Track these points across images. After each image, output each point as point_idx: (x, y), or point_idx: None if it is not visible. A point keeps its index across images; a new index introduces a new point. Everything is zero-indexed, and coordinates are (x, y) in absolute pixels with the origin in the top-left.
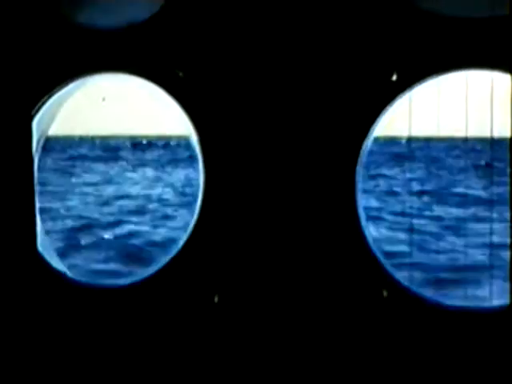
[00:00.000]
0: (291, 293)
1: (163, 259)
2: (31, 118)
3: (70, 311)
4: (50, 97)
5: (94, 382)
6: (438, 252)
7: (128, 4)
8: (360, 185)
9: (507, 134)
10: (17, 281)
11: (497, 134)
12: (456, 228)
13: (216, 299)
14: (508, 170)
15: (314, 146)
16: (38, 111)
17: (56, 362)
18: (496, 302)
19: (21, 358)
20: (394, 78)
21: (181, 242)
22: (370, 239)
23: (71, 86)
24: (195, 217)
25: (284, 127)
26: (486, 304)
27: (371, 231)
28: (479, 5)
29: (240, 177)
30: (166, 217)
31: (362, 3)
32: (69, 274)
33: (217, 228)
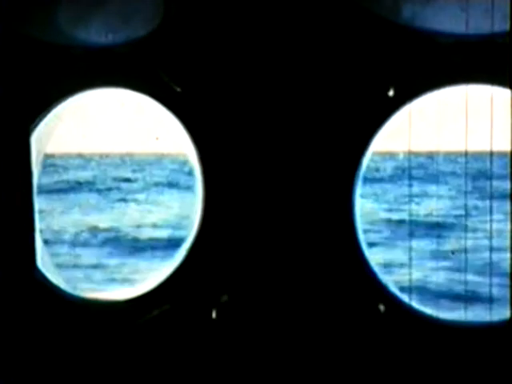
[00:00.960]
0: (288, 308)
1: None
2: (29, 133)
3: (70, 326)
4: (48, 112)
5: None
6: None
7: (126, 21)
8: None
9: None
10: (16, 295)
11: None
12: None
13: (214, 314)
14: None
15: (312, 161)
16: (35, 127)
17: (56, 376)
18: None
19: (21, 372)
20: (391, 93)
21: (180, 258)
22: (366, 254)
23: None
24: (195, 230)
25: (282, 142)
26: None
27: None
28: (477, 21)
29: (239, 189)
30: None
31: (360, 21)
32: (67, 288)
33: (216, 241)
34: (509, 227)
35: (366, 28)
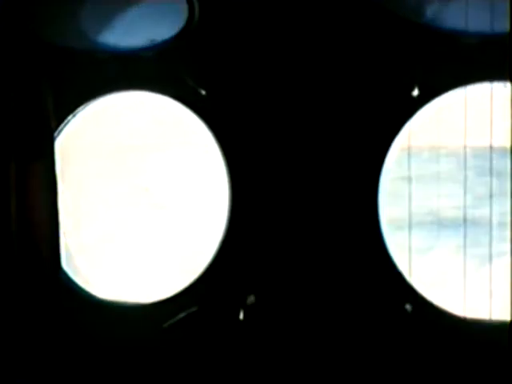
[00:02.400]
0: (315, 309)
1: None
2: (54, 137)
3: (97, 329)
4: (74, 116)
5: None
6: None
7: (151, 24)
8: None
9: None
10: (41, 298)
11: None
12: None
13: (241, 315)
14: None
15: (337, 160)
16: (61, 131)
17: (81, 378)
18: None
19: (46, 374)
20: (415, 93)
21: (207, 260)
22: (392, 254)
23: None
24: (222, 233)
25: (308, 143)
26: None
27: None
28: (500, 20)
29: (265, 190)
30: None
31: (385, 22)
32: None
33: (243, 242)
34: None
35: (390, 29)
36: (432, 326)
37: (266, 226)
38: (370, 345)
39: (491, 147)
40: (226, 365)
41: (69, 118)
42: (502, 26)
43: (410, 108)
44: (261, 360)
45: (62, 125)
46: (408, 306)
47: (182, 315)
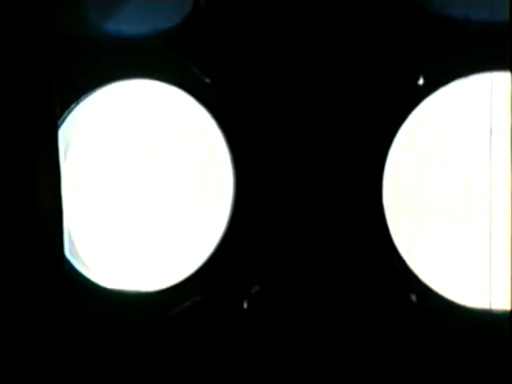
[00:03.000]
0: (319, 299)
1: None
2: (58, 126)
3: (100, 317)
4: (77, 104)
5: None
6: None
7: (155, 12)
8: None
9: None
10: (44, 286)
11: None
12: None
13: (245, 304)
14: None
15: (341, 149)
16: (65, 119)
17: (84, 367)
18: None
19: (47, 362)
20: (421, 81)
21: (211, 249)
22: (397, 244)
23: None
24: (226, 221)
25: (312, 132)
26: None
27: None
28: (504, 9)
29: (269, 179)
30: None
31: (389, 11)
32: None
33: (247, 231)
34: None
35: (395, 17)
36: (437, 317)
37: (270, 214)
38: (375, 335)
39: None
40: (230, 354)
41: (72, 105)
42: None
43: (416, 97)
44: (265, 349)
45: (66, 112)
46: (413, 297)
47: (185, 304)
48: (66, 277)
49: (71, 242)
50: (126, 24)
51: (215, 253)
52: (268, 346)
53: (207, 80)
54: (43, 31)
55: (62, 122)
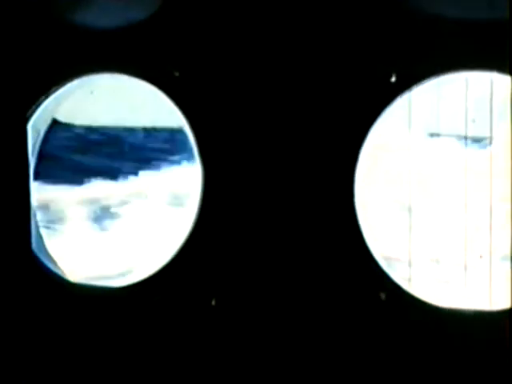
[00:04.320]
0: (288, 297)
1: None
2: (26, 119)
3: (65, 313)
4: (46, 98)
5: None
6: None
7: (124, 4)
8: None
9: None
10: (9, 282)
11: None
12: None
13: (213, 302)
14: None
15: (311, 148)
16: (33, 113)
17: (51, 364)
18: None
19: (16, 359)
20: (393, 79)
21: (178, 243)
22: (368, 242)
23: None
24: (193, 219)
25: (282, 129)
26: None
27: None
28: (478, 6)
29: (237, 177)
30: None
31: (360, 5)
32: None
33: (214, 230)
34: (509, 226)
35: (367, 13)
36: (406, 315)
37: (237, 212)
38: (344, 333)
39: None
40: (197, 350)
41: (41, 98)
42: (483, 13)
43: (388, 95)
44: (232, 346)
45: (34, 106)
46: (382, 295)
47: (153, 299)
48: (33, 270)
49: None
50: (94, 16)
51: (183, 248)
52: (235, 343)
53: (176, 73)
54: (11, 21)
55: (31, 114)
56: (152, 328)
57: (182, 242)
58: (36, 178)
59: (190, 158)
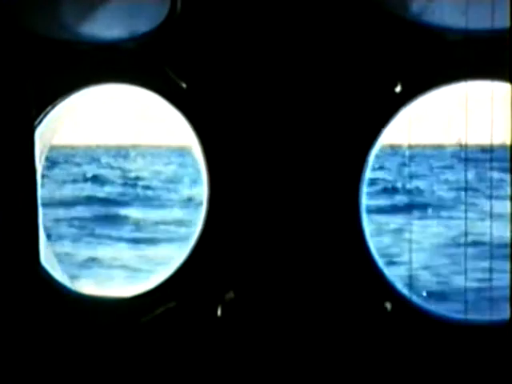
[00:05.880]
0: (293, 306)
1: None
2: (34, 128)
3: (72, 323)
4: (53, 107)
5: None
6: None
7: (131, 17)
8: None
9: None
10: (18, 293)
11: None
12: None
13: (219, 311)
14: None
15: (319, 156)
16: (40, 122)
17: (58, 374)
18: None
19: (22, 369)
20: (398, 89)
21: (185, 255)
22: (373, 252)
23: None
24: (200, 226)
25: (289, 139)
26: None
27: None
28: (480, 17)
29: (244, 185)
30: None
31: (367, 18)
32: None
33: (221, 237)
34: (509, 226)
35: (373, 24)
36: (411, 325)
37: (244, 220)
38: (349, 343)
39: (465, 146)
40: (203, 361)
41: (48, 108)
42: (487, 23)
43: (393, 104)
44: (238, 357)
45: (42, 115)
46: (388, 305)
47: (159, 310)
48: (41, 283)
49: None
50: (103, 28)
51: (189, 258)
52: (241, 353)
53: (183, 84)
54: (19, 34)
55: (39, 124)
56: (158, 338)
57: (188, 253)
58: None
59: None
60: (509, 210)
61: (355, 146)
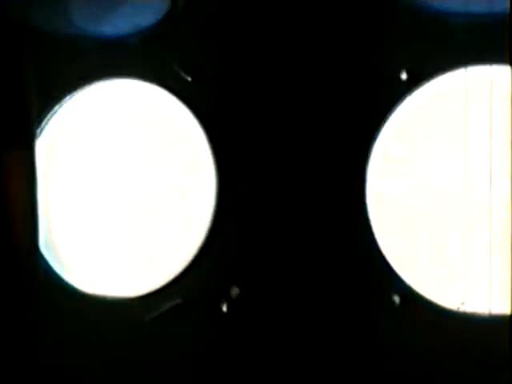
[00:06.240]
0: (300, 301)
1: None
2: (37, 126)
3: (78, 322)
4: (59, 106)
5: None
6: None
7: (135, 11)
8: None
9: None
10: (17, 282)
11: None
12: None
13: (224, 308)
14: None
15: (323, 145)
16: (48, 120)
17: (60, 371)
18: None
19: (22, 366)
20: (404, 76)
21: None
22: (381, 245)
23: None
24: (207, 223)
25: (293, 129)
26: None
27: None
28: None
29: (251, 179)
30: None
31: (370, 4)
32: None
33: (227, 233)
34: (509, 225)
35: (377, 10)
36: (420, 318)
37: (251, 217)
38: (357, 337)
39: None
40: (209, 358)
41: (55, 107)
42: (493, 7)
43: (398, 92)
44: (244, 353)
45: (49, 115)
46: (396, 298)
47: (165, 308)
48: (42, 280)
49: (51, 245)
50: (106, 23)
51: (195, 257)
52: (247, 349)
53: (188, 78)
54: (22, 30)
55: (46, 123)
56: (164, 335)
57: (193, 253)
58: None
59: None
60: (509, 209)
61: (360, 134)
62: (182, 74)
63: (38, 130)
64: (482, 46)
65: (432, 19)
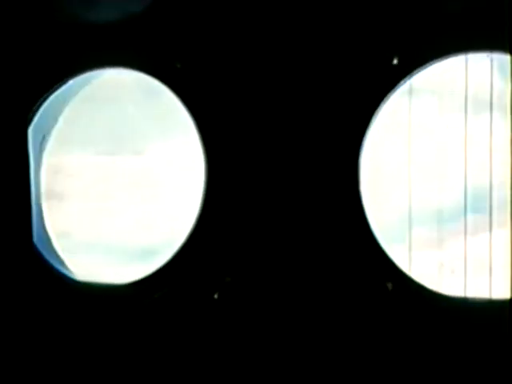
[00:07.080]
0: (293, 288)
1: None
2: (27, 119)
3: (67, 309)
4: (47, 97)
5: (93, 381)
6: None
7: None
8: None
9: None
10: (10, 276)
11: None
12: None
13: (216, 296)
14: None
15: (315, 134)
16: (35, 112)
17: (51, 362)
18: None
19: (15, 358)
20: (395, 62)
21: (181, 240)
22: (375, 231)
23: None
24: (197, 212)
25: (284, 117)
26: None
27: None
28: None
29: (241, 167)
30: None
31: None
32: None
33: (218, 220)
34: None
35: None
36: (413, 304)
37: (242, 203)
38: (350, 323)
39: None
40: (201, 345)
41: (45, 95)
42: None
43: (390, 78)
44: (236, 340)
45: (39, 102)
46: (389, 284)
47: (156, 295)
48: (35, 268)
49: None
50: (93, 11)
51: (186, 244)
52: (239, 336)
53: (178, 65)
54: (12, 18)
55: (36, 111)
56: (156, 323)
57: (185, 238)
58: None
59: None
60: (509, 210)
61: (352, 121)
62: (171, 61)
63: (29, 118)
64: (476, 32)
65: (425, 5)
